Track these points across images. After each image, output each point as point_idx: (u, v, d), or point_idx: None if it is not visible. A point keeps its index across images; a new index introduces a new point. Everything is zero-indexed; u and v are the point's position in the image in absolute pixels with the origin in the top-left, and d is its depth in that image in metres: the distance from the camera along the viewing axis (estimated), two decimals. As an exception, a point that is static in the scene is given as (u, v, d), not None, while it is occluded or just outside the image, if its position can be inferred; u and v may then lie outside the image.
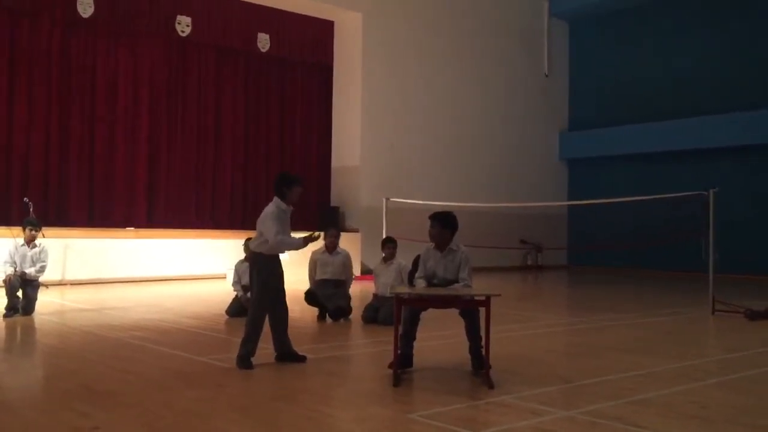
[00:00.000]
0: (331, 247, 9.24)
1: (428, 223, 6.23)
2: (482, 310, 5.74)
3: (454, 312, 6.11)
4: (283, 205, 6.31)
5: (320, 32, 18.19)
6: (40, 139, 14.26)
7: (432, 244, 6.23)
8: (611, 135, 20.82)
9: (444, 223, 6.16)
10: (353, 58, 18.00)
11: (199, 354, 6.73)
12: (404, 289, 6.31)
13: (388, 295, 8.36)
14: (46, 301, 10.00)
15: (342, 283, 9.21)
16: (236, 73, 17.00)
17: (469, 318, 6.00)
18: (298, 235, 6.39)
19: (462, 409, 4.92)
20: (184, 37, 15.96)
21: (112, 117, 15.15)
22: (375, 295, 9.01)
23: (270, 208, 6.30)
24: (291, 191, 6.32)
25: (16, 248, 9.21)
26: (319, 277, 9.18)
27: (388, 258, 8.95)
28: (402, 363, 5.86)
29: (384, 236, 12.40)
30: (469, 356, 6.09)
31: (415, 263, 6.53)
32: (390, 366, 5.79)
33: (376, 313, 8.72)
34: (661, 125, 19.65)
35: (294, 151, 17.87)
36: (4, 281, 9.02)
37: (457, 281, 6.09)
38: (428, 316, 6.32)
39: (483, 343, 5.76)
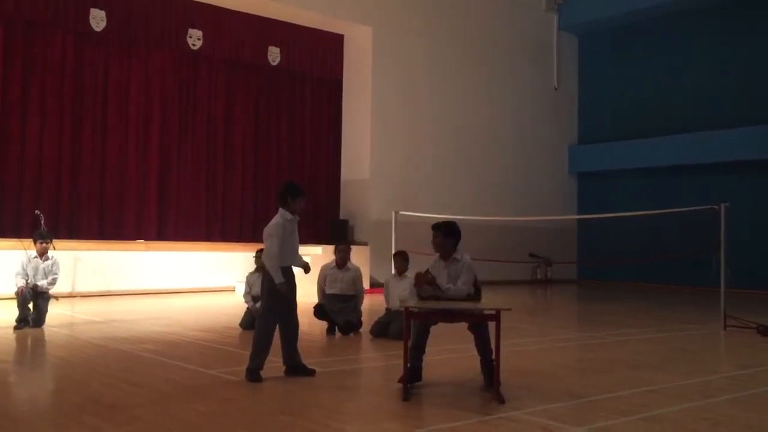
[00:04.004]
0: (342, 262, 9.22)
1: (432, 233, 6.28)
2: (491, 324, 5.73)
3: (464, 326, 6.09)
4: (289, 215, 6.35)
5: (330, 46, 18.28)
6: (52, 152, 14.35)
7: (437, 256, 6.27)
8: (621, 149, 20.78)
9: (447, 232, 6.21)
10: (363, 72, 18.07)
11: (208, 367, 6.73)
12: (414, 303, 6.30)
13: (400, 308, 8.35)
14: (56, 313, 10.03)
15: (350, 299, 9.19)
16: (247, 86, 17.09)
17: (478, 332, 5.98)
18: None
19: (472, 425, 4.89)
20: (195, 50, 16.07)
21: (124, 130, 15.25)
22: (388, 310, 8.98)
23: (276, 220, 6.34)
24: (295, 202, 6.37)
25: (29, 260, 9.25)
26: (328, 291, 9.17)
27: (400, 272, 8.92)
28: (411, 377, 5.84)
29: (394, 250, 12.41)
30: (479, 370, 6.07)
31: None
32: (400, 380, 5.77)
33: (386, 327, 8.69)
34: (671, 139, 19.60)
35: (304, 164, 17.92)
36: (16, 293, 9.05)
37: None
38: (438, 329, 6.31)
39: (494, 357, 5.74)
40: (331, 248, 10.85)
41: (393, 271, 9.30)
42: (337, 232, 16.72)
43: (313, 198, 17.05)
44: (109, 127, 15.07)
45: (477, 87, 19.92)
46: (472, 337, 6.05)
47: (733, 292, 11.21)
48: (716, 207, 10.49)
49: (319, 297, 9.26)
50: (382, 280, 11.57)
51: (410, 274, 8.74)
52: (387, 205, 16.41)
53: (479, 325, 5.96)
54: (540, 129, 21.49)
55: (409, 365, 5.76)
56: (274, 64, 17.26)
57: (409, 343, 5.84)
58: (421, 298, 6.10)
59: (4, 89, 13.92)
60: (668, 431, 4.81)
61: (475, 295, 6.19)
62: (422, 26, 18.74)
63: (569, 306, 15.79)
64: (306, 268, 6.55)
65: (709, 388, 6.27)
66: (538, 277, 20.76)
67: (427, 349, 6.17)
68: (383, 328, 8.72)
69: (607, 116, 21.78)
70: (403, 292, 8.66)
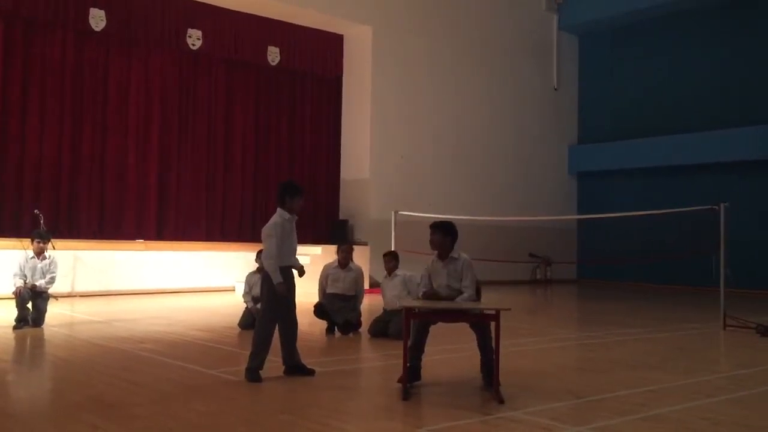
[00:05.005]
0: (344, 262, 9.22)
1: (429, 233, 6.29)
2: (492, 324, 5.73)
3: (463, 326, 6.09)
4: (287, 215, 6.34)
5: (330, 46, 18.27)
6: (52, 151, 14.33)
7: (434, 256, 6.28)
8: (621, 149, 20.78)
9: (445, 231, 6.22)
10: (363, 72, 18.06)
11: (208, 367, 6.73)
12: (415, 303, 6.31)
13: (396, 307, 8.39)
14: (55, 312, 10.02)
15: (350, 298, 9.19)
16: (246, 86, 17.07)
17: (481, 331, 5.97)
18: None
19: (472, 424, 4.89)
20: (195, 50, 16.06)
21: (123, 129, 15.24)
22: (385, 309, 9.00)
23: (275, 219, 6.33)
24: (293, 201, 6.35)
25: (26, 260, 9.25)
26: (329, 290, 9.17)
27: (390, 271, 8.94)
28: (410, 377, 5.84)
29: (392, 250, 12.41)
30: (478, 370, 6.07)
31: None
32: (399, 380, 5.77)
33: (385, 326, 8.71)
34: (671, 139, 19.60)
35: (303, 164, 17.91)
36: (15, 293, 9.05)
37: (461, 291, 6.10)
38: (437, 329, 6.30)
39: (494, 356, 5.74)
40: (330, 248, 10.85)
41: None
42: (336, 232, 16.72)
43: (313, 198, 17.05)
44: (108, 126, 15.05)
45: (477, 87, 19.92)
46: (471, 336, 6.06)
47: (733, 292, 11.20)
48: (716, 207, 10.49)
49: (319, 296, 9.26)
50: (380, 280, 11.59)
51: (400, 272, 8.81)
52: (386, 205, 16.38)
53: (482, 324, 5.96)
54: (540, 129, 21.48)
55: (408, 365, 5.75)
56: (274, 63, 17.25)
57: (409, 343, 5.84)
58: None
59: (4, 88, 13.90)
60: (668, 431, 4.81)
61: (475, 296, 6.19)
62: (422, 26, 18.74)
63: (569, 306, 15.79)
64: (300, 271, 6.49)
65: (708, 388, 6.27)
66: (538, 277, 20.76)
67: (426, 349, 6.16)
68: (382, 328, 8.73)
69: (607, 116, 21.77)
70: (393, 290, 8.73)
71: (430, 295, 6.14)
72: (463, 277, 6.12)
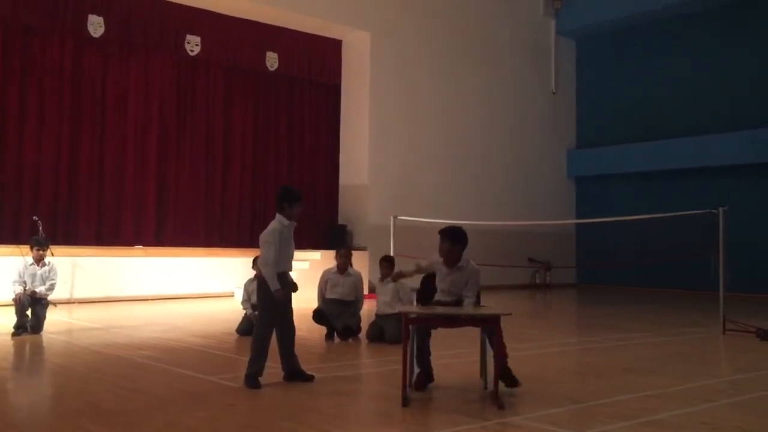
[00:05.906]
0: (343, 267, 9.21)
1: (438, 239, 6.16)
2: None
3: (463, 331, 6.07)
4: (286, 221, 6.32)
5: (328, 51, 18.29)
6: (50, 158, 14.31)
7: (441, 260, 6.17)
8: (620, 153, 20.80)
9: (454, 239, 6.08)
10: (361, 77, 18.08)
11: (207, 373, 6.71)
12: (412, 309, 6.30)
13: (388, 312, 8.44)
14: (54, 319, 10.00)
15: (350, 304, 9.18)
16: (245, 91, 17.08)
17: (491, 335, 5.91)
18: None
19: (472, 430, 4.88)
20: (194, 56, 16.07)
21: (122, 135, 15.24)
22: (377, 315, 9.03)
23: (273, 226, 6.30)
24: (292, 208, 6.31)
25: (26, 267, 9.24)
26: (328, 296, 9.16)
27: (384, 277, 8.95)
28: (425, 381, 5.90)
29: (393, 254, 12.43)
30: (478, 375, 6.07)
31: (423, 283, 6.50)
32: (413, 385, 5.79)
33: (380, 331, 8.72)
34: (669, 143, 19.61)
35: (302, 169, 17.91)
36: (14, 300, 9.03)
37: (461, 297, 6.10)
38: (438, 334, 6.29)
39: (493, 361, 5.72)
40: (329, 253, 10.82)
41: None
42: (335, 237, 16.71)
43: (312, 203, 17.05)
44: (107, 133, 15.05)
45: (475, 92, 19.94)
46: (471, 341, 6.06)
47: (732, 296, 11.19)
48: (715, 211, 10.50)
49: (318, 301, 9.25)
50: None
51: None
52: (385, 210, 16.39)
53: (491, 329, 5.91)
54: (538, 133, 21.50)
55: (419, 369, 5.81)
56: (272, 69, 17.27)
57: (414, 349, 5.84)
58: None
59: (2, 94, 13.90)
60: (668, 436, 4.80)
61: (476, 302, 6.19)
62: (420, 31, 18.76)
63: (568, 310, 15.78)
64: (294, 287, 6.48)
65: (708, 393, 6.26)
66: (538, 281, 20.76)
67: (432, 351, 6.16)
68: (378, 332, 8.75)
69: (605, 120, 21.79)
70: (384, 296, 8.74)
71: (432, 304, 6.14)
72: (467, 286, 6.08)
